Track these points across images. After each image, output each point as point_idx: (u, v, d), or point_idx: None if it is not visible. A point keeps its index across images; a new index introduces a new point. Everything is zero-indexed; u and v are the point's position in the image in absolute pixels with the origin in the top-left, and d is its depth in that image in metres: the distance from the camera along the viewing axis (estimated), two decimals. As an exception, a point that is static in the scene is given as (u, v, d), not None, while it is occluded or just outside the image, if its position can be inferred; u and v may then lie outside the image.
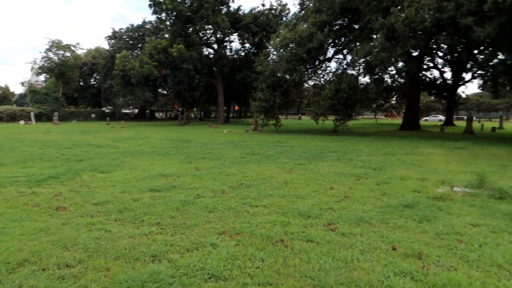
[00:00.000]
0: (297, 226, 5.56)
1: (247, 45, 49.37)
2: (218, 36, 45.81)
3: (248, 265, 4.16)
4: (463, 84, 44.79)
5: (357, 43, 29.39)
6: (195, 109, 67.67)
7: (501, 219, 6.00)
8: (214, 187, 8.30)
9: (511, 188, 7.99)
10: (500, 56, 26.59)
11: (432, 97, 54.27)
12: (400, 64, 29.54)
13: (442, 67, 43.91)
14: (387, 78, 34.00)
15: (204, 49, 48.04)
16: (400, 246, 4.78)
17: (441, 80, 44.36)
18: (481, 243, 4.95)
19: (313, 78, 33.64)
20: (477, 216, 6.21)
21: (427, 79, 43.55)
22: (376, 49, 24.14)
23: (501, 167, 11.68)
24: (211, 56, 47.83)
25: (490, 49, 24.83)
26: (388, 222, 5.82)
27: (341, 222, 5.78)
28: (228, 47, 49.24)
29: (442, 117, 69.78)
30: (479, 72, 38.36)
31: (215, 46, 47.47)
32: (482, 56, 30.57)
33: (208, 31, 45.27)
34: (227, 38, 47.44)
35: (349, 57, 32.35)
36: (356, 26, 30.50)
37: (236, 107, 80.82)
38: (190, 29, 43.22)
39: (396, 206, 6.70)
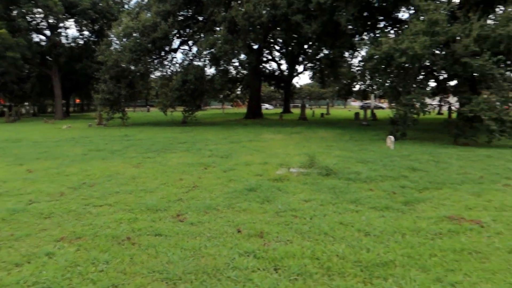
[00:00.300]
0: (145, 221, 5.43)
1: (86, 32, 45.29)
2: (51, 21, 40.82)
3: (90, 270, 3.90)
4: (297, 75, 49.86)
5: (202, 35, 29.88)
6: (26, 103, 59.44)
7: (327, 193, 6.93)
8: (51, 190, 7.48)
9: (335, 165, 9.30)
10: (325, 51, 30.44)
11: (272, 87, 58.95)
12: (242, 56, 31.20)
13: (279, 60, 48.07)
14: (231, 70, 35.60)
15: (34, 36, 42.29)
16: (245, 228, 5.10)
17: (279, 71, 48.55)
18: (311, 216, 5.64)
19: (160, 69, 32.97)
20: (309, 192, 7.03)
21: (267, 71, 47.08)
22: (220, 41, 24.96)
23: (328, 147, 13.47)
24: (44, 43, 42.43)
25: (317, 44, 28.13)
26: (234, 206, 6.15)
27: (189, 212, 5.87)
28: (63, 34, 44.35)
29: (268, 106, 76.42)
30: (309, 64, 43.19)
31: (48, 32, 42.25)
32: (310, 51, 34.37)
33: (38, 15, 39.93)
34: (61, 24, 42.62)
35: (194, 49, 32.70)
36: (200, 18, 30.93)
37: (78, 100, 73.95)
38: (15, 12, 37.45)
39: (241, 190, 7.12)
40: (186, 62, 31.56)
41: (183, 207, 6.15)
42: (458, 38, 15.13)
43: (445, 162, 10.19)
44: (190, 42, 33.22)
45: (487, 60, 13.65)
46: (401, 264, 3.98)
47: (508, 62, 15.27)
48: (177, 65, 32.71)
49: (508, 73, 15.96)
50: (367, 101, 61.17)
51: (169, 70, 32.57)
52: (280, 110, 56.94)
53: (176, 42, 32.59)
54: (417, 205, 6.21)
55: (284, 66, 48.99)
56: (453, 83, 18.81)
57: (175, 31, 29.73)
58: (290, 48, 41.93)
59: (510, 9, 14.69)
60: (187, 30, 31.68)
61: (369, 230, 5.01)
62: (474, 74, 14.84)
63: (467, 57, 14.06)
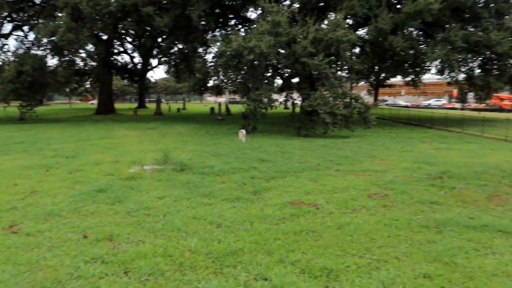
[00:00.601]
0: (-34, 237, 4.62)
1: None
2: None
3: None
4: (152, 69, 48.40)
5: (40, 20, 26.59)
6: None
7: (181, 189, 6.95)
8: None
9: (189, 160, 9.38)
10: (179, 45, 30.27)
11: (125, 81, 56.14)
12: (90, 46, 28.87)
13: (132, 52, 45.80)
14: (78, 61, 32.60)
15: None
16: (92, 233, 4.77)
17: (132, 64, 46.35)
18: (165, 213, 5.59)
19: (-13, 57, 28.29)
20: (163, 189, 6.95)
21: (119, 63, 44.50)
22: (62, 29, 22.56)
23: (183, 142, 13.51)
24: None
25: (170, 38, 27.73)
26: (80, 210, 5.70)
27: (26, 221, 5.21)
28: None
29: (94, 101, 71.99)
30: (164, 58, 42.32)
31: None
32: (164, 44, 33.71)
33: None
34: None
35: (32, 35, 28.93)
36: (38, 1, 27.46)
37: None
38: None
39: (89, 192, 6.63)
40: (21, 51, 27.73)
41: (18, 216, 5.43)
42: (299, 39, 16.75)
43: (289, 153, 11.23)
44: (26, 28, 29.29)
45: (321, 60, 15.48)
46: (249, 251, 4.26)
47: (338, 63, 17.56)
48: (10, 53, 28.54)
49: (339, 72, 18.37)
50: (232, 96, 63.22)
51: (-1, 59, 28.21)
52: (133, 105, 54.56)
53: (7, 27, 28.39)
54: (264, 193, 6.71)
55: (137, 59, 46.95)
56: (296, 80, 20.75)
57: (6, 14, 25.81)
58: (143, 41, 40.41)
59: (338, 17, 16.89)
60: (21, 13, 27.79)
61: (221, 221, 5.21)
62: (312, 72, 16.64)
63: (305, 57, 15.70)
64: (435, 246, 4.41)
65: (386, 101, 61.39)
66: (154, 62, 45.98)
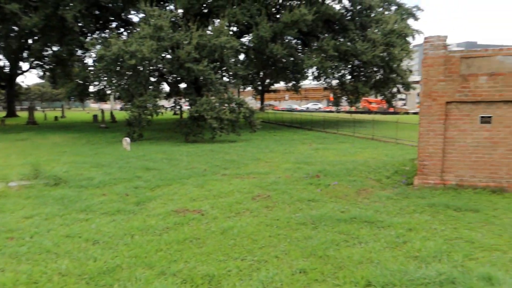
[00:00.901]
0: None
1: None
2: None
3: None
4: (22, 73, 43.46)
5: None
6: None
7: (54, 205, 6.33)
8: None
9: (64, 173, 8.63)
10: (54, 48, 27.69)
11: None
12: None
13: (-4, 55, 40.43)
14: None
15: None
16: None
17: (-3, 68, 40.94)
18: (33, 234, 5.01)
19: None
20: (32, 207, 6.25)
21: (-21, 67, 38.97)
22: None
23: (60, 154, 12.38)
24: None
25: (42, 39, 25.21)
26: None
27: None
28: None
29: None
30: (37, 62, 38.28)
31: None
32: (35, 46, 30.52)
33: None
34: None
35: None
36: None
37: None
38: None
39: None
40: None
41: None
42: (182, 45, 16.61)
43: (176, 159, 11.05)
44: None
45: (205, 66, 15.59)
46: (128, 266, 4.04)
47: (223, 69, 17.89)
48: None
49: (224, 78, 18.71)
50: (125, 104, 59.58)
51: None
52: (0, 114, 48.31)
53: None
54: (148, 203, 6.47)
55: (3, 62, 41.56)
56: (183, 86, 20.54)
57: None
58: (8, 41, 35.94)
59: (223, 23, 17.22)
60: None
61: (98, 237, 4.87)
62: (197, 78, 16.65)
63: (189, 62, 15.65)
64: (311, 241, 4.71)
65: (274, 106, 64.61)
66: (25, 65, 40.96)
